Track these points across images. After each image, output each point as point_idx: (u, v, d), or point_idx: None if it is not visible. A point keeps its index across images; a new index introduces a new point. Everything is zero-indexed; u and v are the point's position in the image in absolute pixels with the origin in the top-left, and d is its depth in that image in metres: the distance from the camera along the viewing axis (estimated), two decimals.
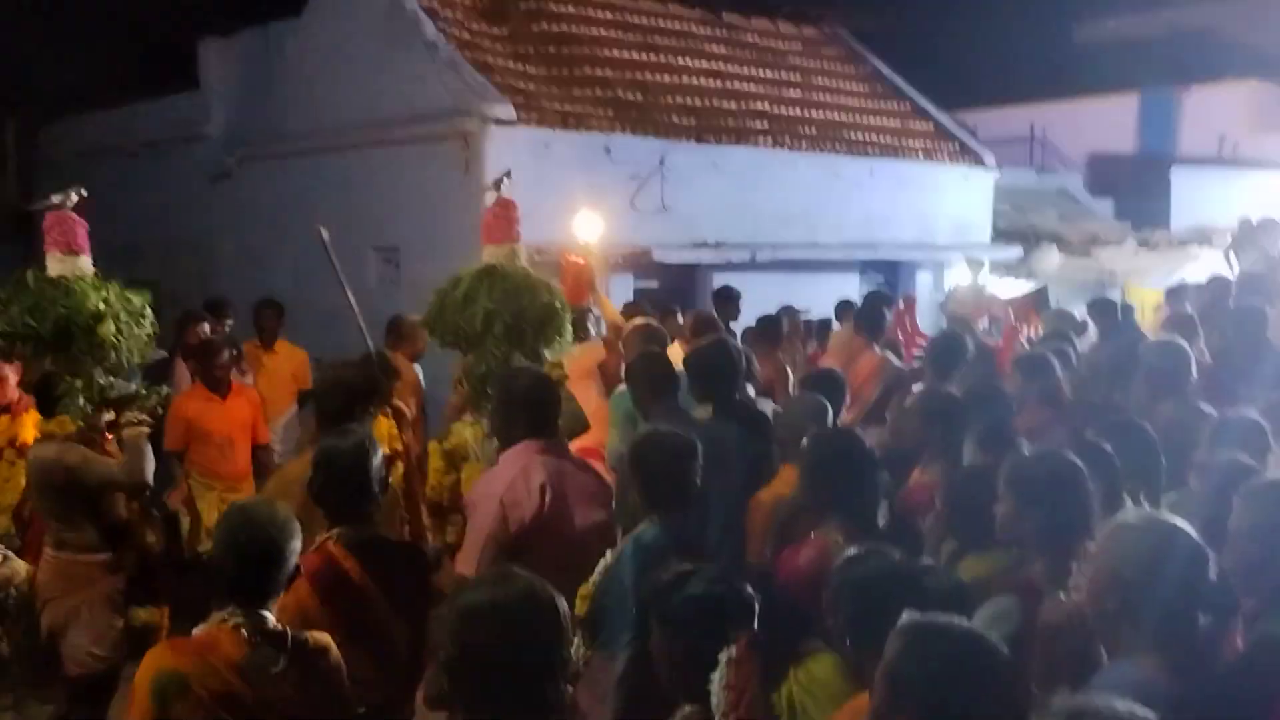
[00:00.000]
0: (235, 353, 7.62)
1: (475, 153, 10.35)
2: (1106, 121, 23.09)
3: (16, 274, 5.09)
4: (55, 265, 5.04)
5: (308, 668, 2.89)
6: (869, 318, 7.76)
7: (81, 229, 5.15)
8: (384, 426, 5.32)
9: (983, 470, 4.21)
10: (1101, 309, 8.73)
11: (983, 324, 11.36)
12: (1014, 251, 15.46)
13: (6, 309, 4.85)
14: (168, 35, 14.93)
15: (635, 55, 12.67)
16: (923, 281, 13.91)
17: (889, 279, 13.81)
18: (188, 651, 2.84)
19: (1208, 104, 22.50)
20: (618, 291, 11.25)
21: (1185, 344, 5.50)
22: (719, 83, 13.13)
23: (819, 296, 11.35)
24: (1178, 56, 22.22)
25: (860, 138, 13.77)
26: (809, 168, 12.79)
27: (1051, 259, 16.02)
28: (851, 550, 2.90)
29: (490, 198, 5.65)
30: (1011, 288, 15.40)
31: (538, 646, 2.16)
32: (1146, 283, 15.17)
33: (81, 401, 4.84)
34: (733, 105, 12.88)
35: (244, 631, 2.83)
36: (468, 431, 5.05)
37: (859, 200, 13.26)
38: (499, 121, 10.34)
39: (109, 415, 4.88)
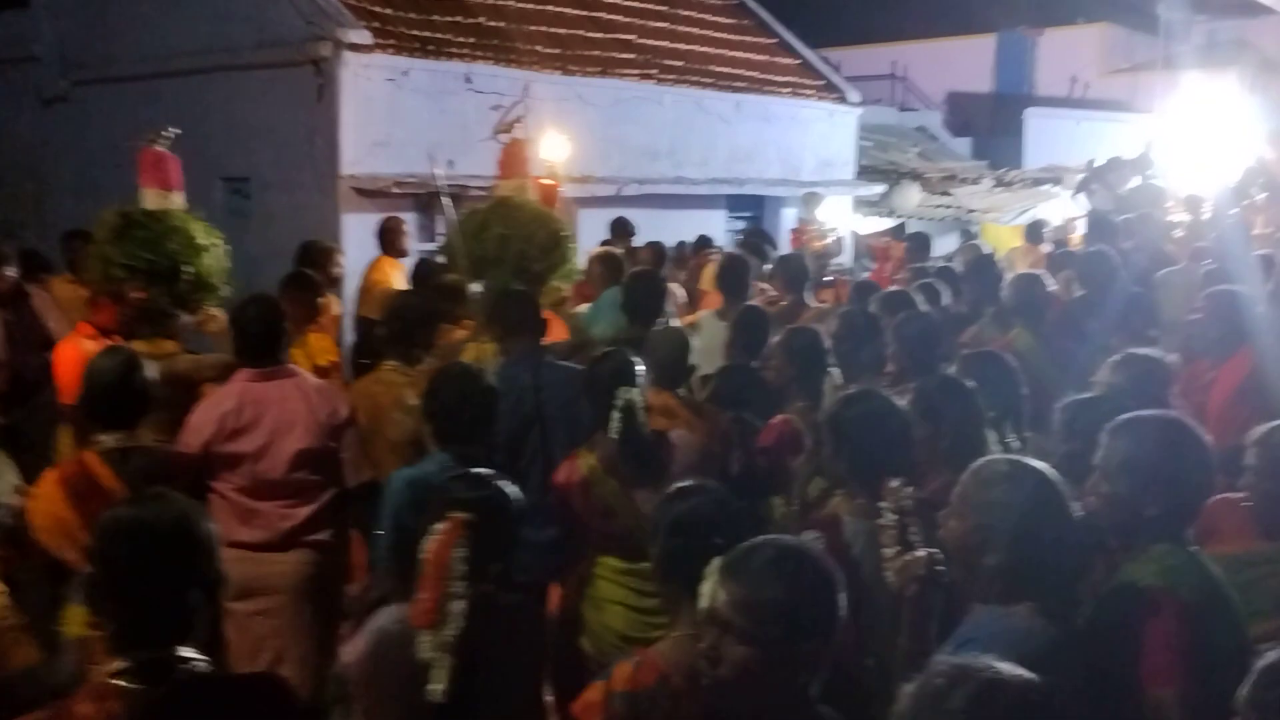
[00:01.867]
0: None
1: (329, 80, 9.90)
2: (965, 62, 23.52)
3: (118, 209, 5.58)
4: (153, 201, 5.49)
5: None
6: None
7: (176, 166, 5.65)
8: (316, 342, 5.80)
9: None
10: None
11: (833, 260, 11.50)
12: (876, 188, 15.65)
13: (121, 242, 5.28)
14: None
15: None
16: (787, 217, 13.95)
17: (755, 214, 13.82)
18: None
19: (1061, 46, 23.08)
20: None
21: (1044, 277, 5.57)
22: (584, 12, 12.83)
23: (685, 231, 11.28)
24: None
25: (726, 72, 13.65)
26: (675, 102, 12.64)
27: (912, 196, 16.27)
28: (678, 484, 2.90)
29: (504, 138, 6.48)
30: (874, 224, 15.67)
31: (169, 565, 2.22)
32: (1002, 220, 15.56)
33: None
34: (598, 35, 12.62)
35: None
36: (486, 350, 5.21)
37: (725, 135, 13.18)
38: (354, 47, 9.88)
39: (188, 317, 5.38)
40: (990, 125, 21.58)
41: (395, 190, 9.89)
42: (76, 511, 3.45)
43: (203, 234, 5.54)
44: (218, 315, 5.36)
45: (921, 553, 2.75)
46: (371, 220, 9.57)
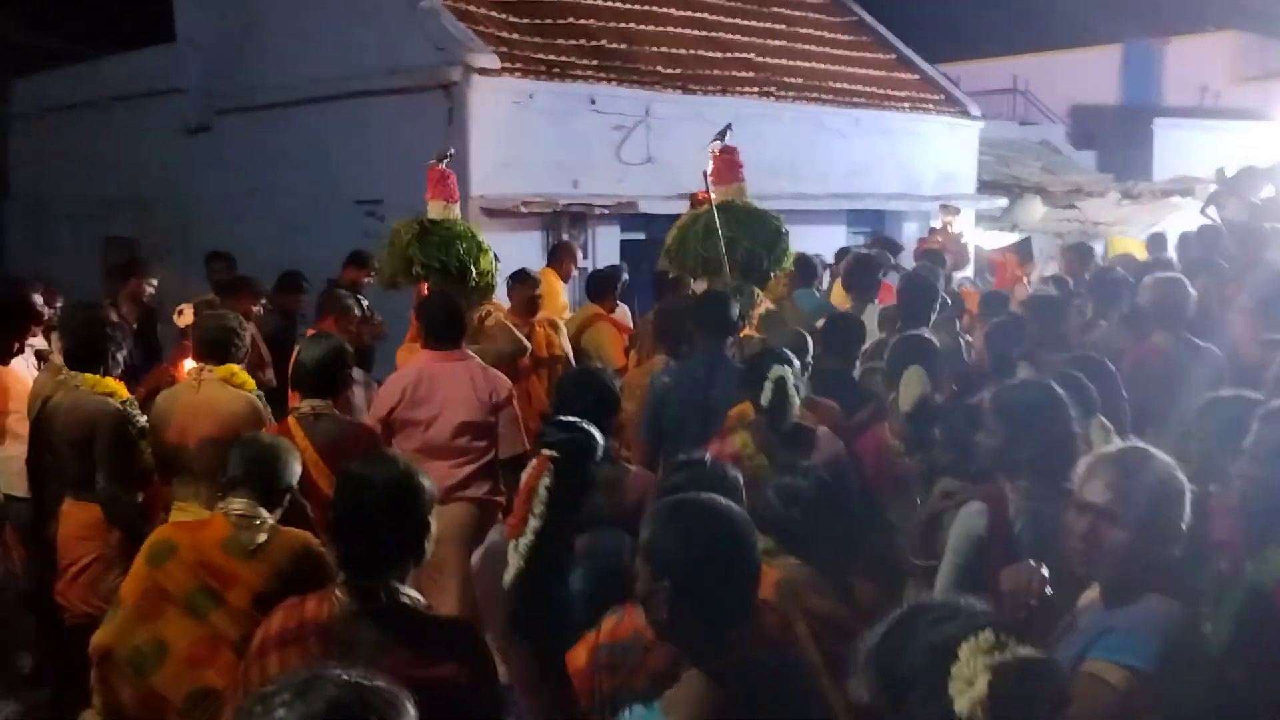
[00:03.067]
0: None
1: (458, 103, 10.21)
2: (1089, 73, 23.05)
3: (413, 218, 6.37)
4: (438, 211, 6.29)
5: (285, 549, 3.40)
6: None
7: (454, 181, 6.44)
8: (541, 335, 6.70)
9: (972, 405, 4.26)
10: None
11: (960, 273, 11.38)
12: (998, 202, 15.44)
13: (421, 246, 6.03)
14: None
15: (619, 5, 12.50)
16: (909, 231, 13.87)
17: (875, 229, 13.76)
18: (183, 528, 3.53)
19: (1189, 55, 22.49)
20: (604, 243, 11.20)
21: (1185, 281, 5.48)
22: (703, 32, 13.00)
23: (804, 248, 11.29)
24: (1159, 7, 22.19)
25: (845, 88, 13.66)
26: (794, 118, 12.69)
27: (1035, 210, 16.02)
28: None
29: (716, 146, 6.76)
30: (996, 239, 15.46)
31: (382, 513, 2.62)
32: (1129, 233, 15.20)
33: None
34: (717, 55, 12.75)
35: (231, 518, 3.40)
36: None
37: (844, 151, 13.18)
38: (482, 71, 10.18)
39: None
40: (1116, 137, 21.09)
41: (522, 209, 10.15)
42: None
43: (481, 240, 6.28)
44: (494, 309, 6.14)
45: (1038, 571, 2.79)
46: (499, 239, 9.81)
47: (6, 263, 13.35)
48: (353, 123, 11.16)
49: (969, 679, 1.72)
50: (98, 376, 4.64)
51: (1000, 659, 1.73)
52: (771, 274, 6.76)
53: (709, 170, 6.72)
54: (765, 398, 4.05)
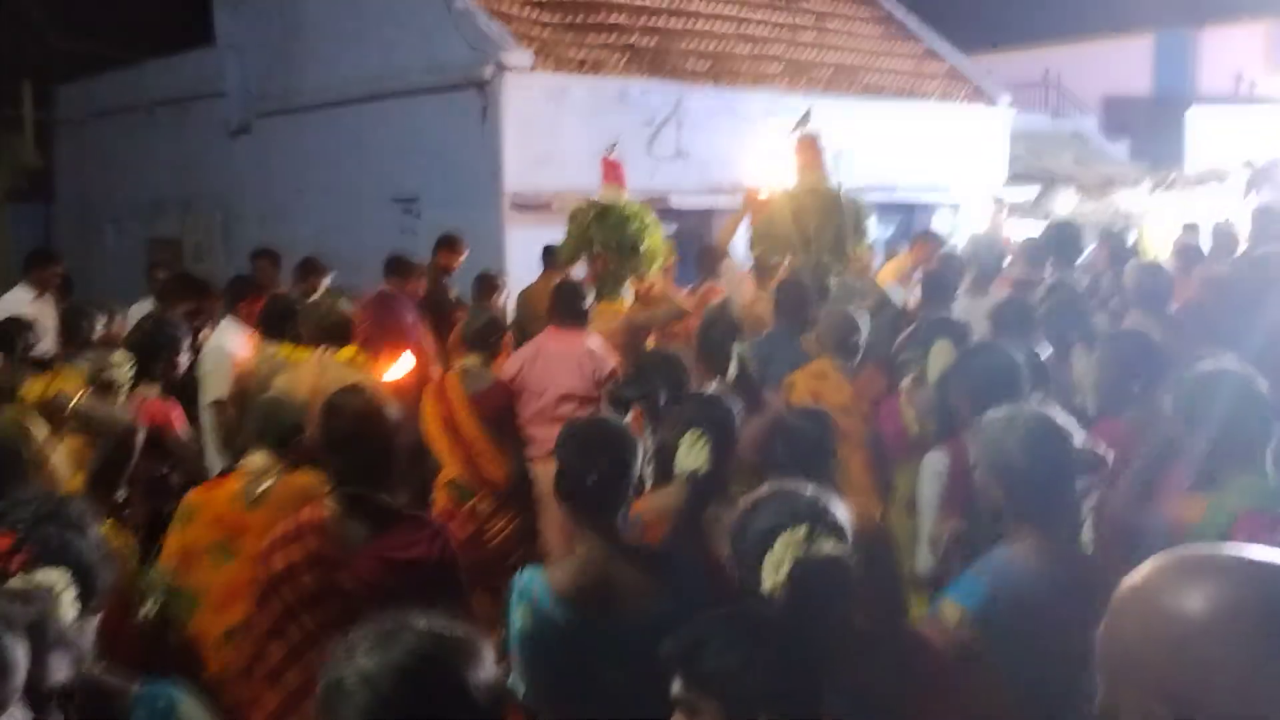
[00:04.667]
0: None
1: (492, 100, 10.42)
2: (1121, 63, 22.92)
3: (587, 203, 7.03)
4: (610, 195, 6.87)
5: (287, 495, 3.69)
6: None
7: (623, 169, 7.07)
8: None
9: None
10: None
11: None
12: (1030, 192, 15.45)
13: (599, 226, 6.68)
14: None
15: (650, 1, 12.67)
16: (939, 223, 13.94)
17: (905, 221, 13.84)
18: (203, 491, 3.84)
19: (1224, 44, 22.32)
20: None
21: (1166, 269, 5.63)
22: (734, 26, 13.13)
23: None
24: None
25: (875, 80, 13.74)
26: (823, 110, 12.76)
27: (1067, 201, 16.00)
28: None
29: (796, 134, 7.50)
30: (1027, 229, 15.45)
31: (359, 434, 3.15)
32: (1163, 222, 15.16)
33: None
34: (748, 49, 12.88)
35: (243, 474, 3.77)
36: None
37: (873, 142, 13.25)
38: (515, 69, 10.39)
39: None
40: (1149, 126, 20.98)
41: (554, 205, 10.32)
42: (432, 407, 5.04)
43: (652, 220, 6.90)
44: (657, 283, 6.66)
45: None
46: (532, 234, 10.01)
47: None
48: (389, 122, 11.39)
49: (777, 564, 2.08)
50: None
51: (805, 552, 2.07)
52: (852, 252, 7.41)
53: (793, 155, 7.39)
54: (733, 371, 4.62)
